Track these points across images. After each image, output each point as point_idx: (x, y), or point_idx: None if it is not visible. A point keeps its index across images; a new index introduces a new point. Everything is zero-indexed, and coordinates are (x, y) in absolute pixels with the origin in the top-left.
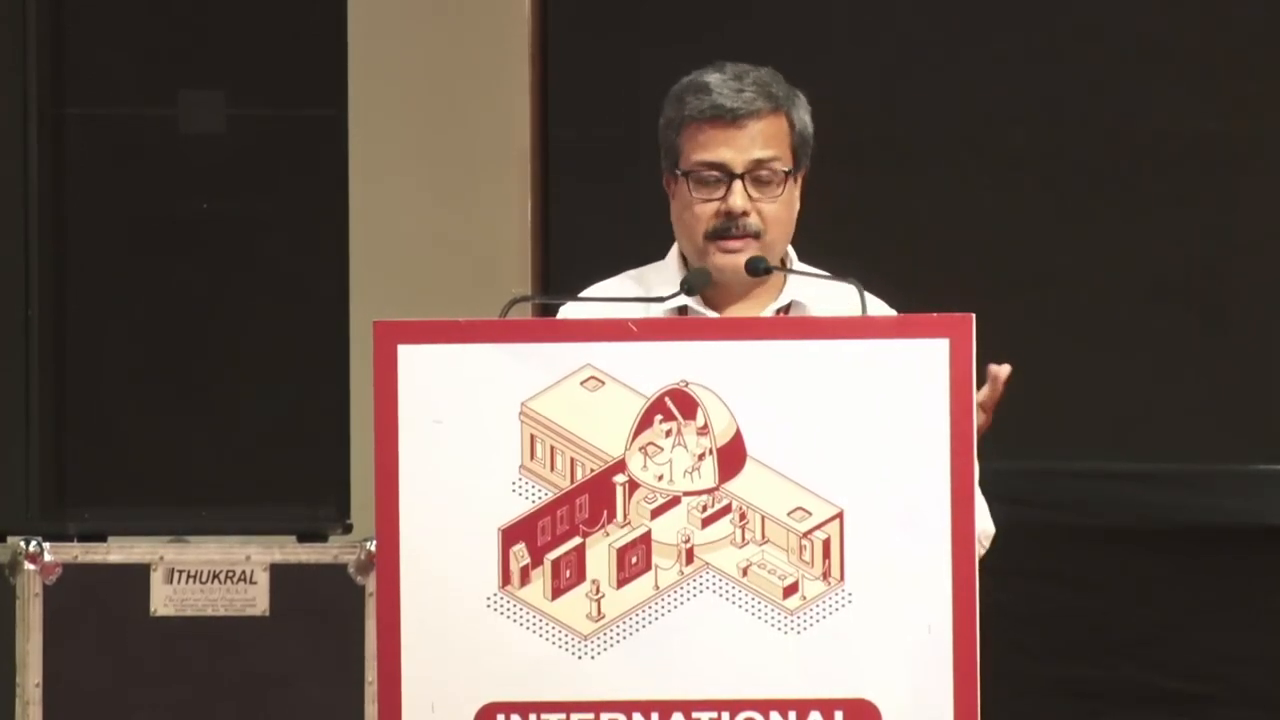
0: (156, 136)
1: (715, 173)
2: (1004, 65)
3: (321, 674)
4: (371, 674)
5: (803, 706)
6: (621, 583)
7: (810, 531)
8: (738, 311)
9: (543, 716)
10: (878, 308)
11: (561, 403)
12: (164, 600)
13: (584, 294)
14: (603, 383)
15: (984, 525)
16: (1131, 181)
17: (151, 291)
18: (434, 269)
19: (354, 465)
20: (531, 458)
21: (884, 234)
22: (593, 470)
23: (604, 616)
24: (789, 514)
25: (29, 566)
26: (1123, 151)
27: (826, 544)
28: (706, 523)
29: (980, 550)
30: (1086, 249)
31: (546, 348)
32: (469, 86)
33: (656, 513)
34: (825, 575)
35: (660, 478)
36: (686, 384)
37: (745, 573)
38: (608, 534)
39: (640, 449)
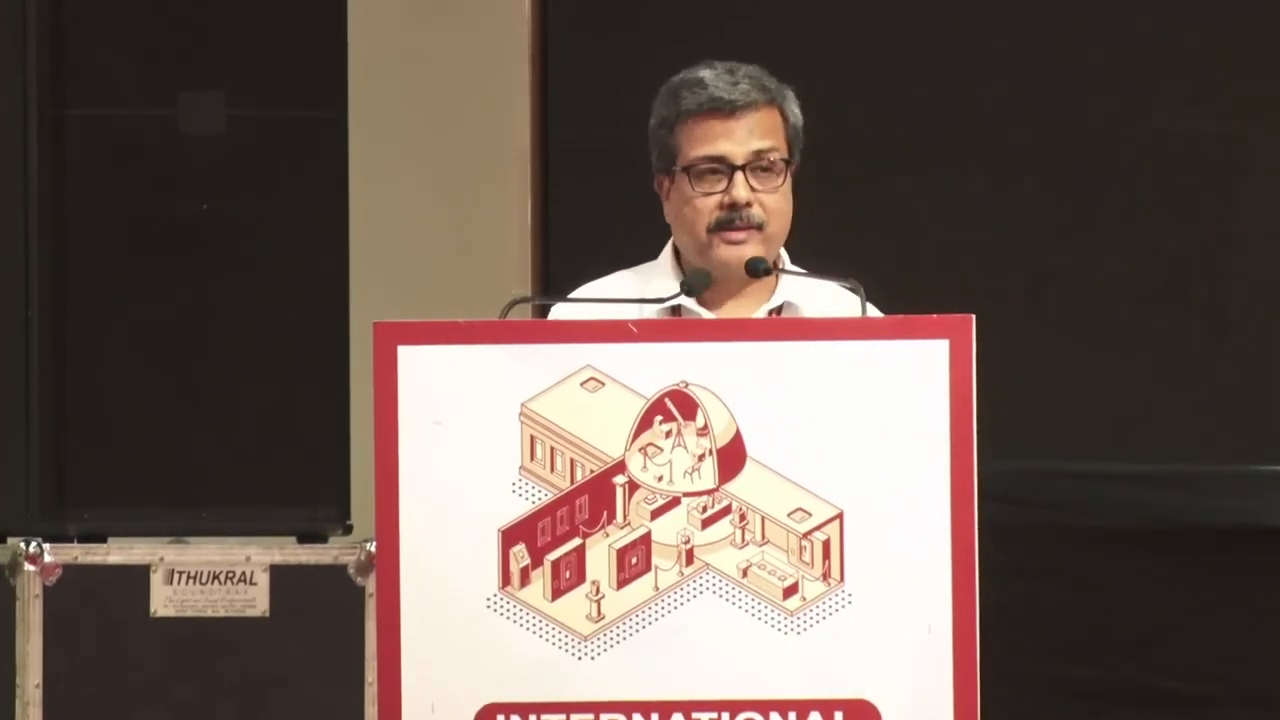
0: (156, 137)
1: (716, 166)
2: (1004, 65)
3: (321, 675)
4: (371, 675)
5: (803, 707)
6: (621, 583)
7: (810, 532)
8: (731, 311)
9: (543, 717)
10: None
11: (561, 404)
12: (164, 601)
13: (575, 294)
14: (603, 384)
15: None
16: (1131, 181)
17: (151, 291)
18: (434, 269)
19: (354, 466)
20: (531, 458)
21: (884, 234)
22: (593, 471)
23: (604, 617)
24: (789, 515)
25: (29, 567)
26: (1123, 151)
27: (826, 545)
28: (706, 523)
29: None
30: (1086, 249)
31: (546, 349)
32: (469, 86)
33: (656, 513)
34: (825, 576)
35: (660, 478)
36: (686, 385)
37: (745, 573)
38: (608, 535)
39: (640, 450)
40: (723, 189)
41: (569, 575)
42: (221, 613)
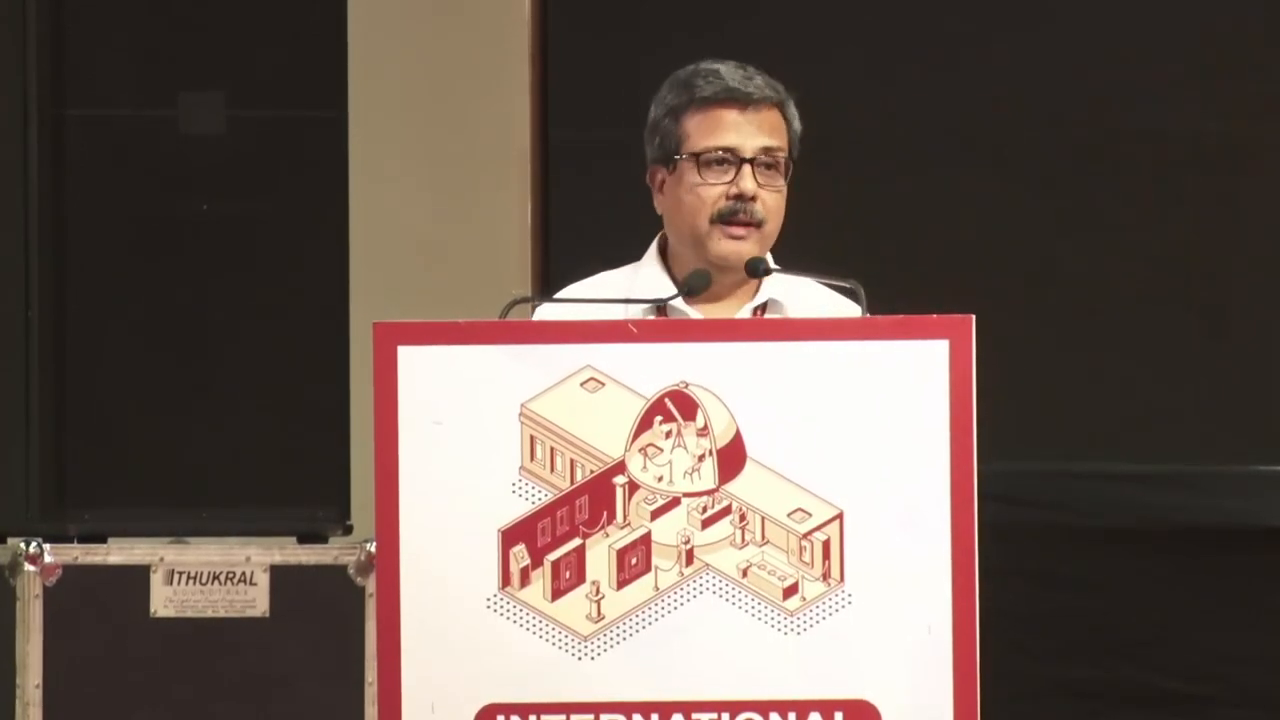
0: (156, 137)
1: (726, 156)
2: (1004, 65)
3: (321, 675)
4: (371, 675)
5: (803, 708)
6: (621, 584)
7: (810, 532)
8: (716, 308)
9: (542, 718)
10: (846, 309)
11: (561, 404)
12: (164, 601)
13: (560, 294)
14: (603, 384)
15: None
16: (1131, 181)
17: (151, 291)
18: (434, 269)
19: (354, 466)
20: (531, 459)
21: (884, 234)
22: (593, 471)
23: (604, 618)
24: (789, 515)
25: (29, 568)
26: (1123, 151)
27: (826, 545)
28: (706, 524)
29: None
30: (1086, 249)
31: (546, 349)
32: (469, 86)
33: (656, 514)
34: (825, 576)
35: (660, 479)
36: (686, 385)
37: (745, 574)
38: (608, 535)
39: (640, 450)
40: (729, 179)
41: (569, 575)
42: (222, 613)
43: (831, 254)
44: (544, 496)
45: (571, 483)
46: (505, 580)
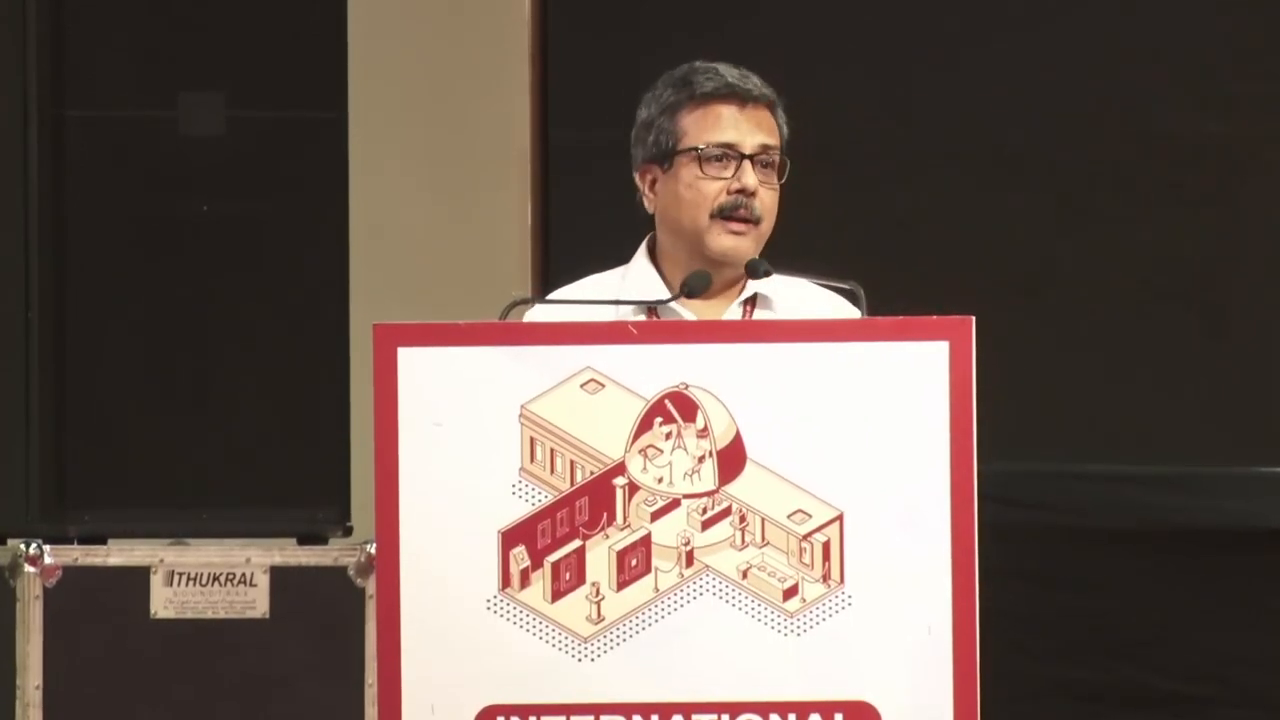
0: (156, 138)
1: (726, 152)
2: (1004, 65)
3: (321, 676)
4: (372, 676)
5: (803, 709)
6: (621, 585)
7: (810, 534)
8: (705, 306)
9: (542, 719)
10: (839, 307)
11: (561, 405)
12: (164, 602)
13: (551, 296)
14: (603, 385)
15: None
16: (1131, 182)
17: (151, 293)
18: (434, 270)
19: (354, 468)
20: (531, 460)
21: (884, 235)
22: (593, 473)
23: (604, 619)
24: (789, 516)
25: (29, 569)
26: (1123, 151)
27: (826, 546)
28: (706, 525)
29: None
30: (1086, 249)
31: (546, 350)
32: (469, 87)
33: (656, 515)
34: (825, 577)
35: (660, 480)
36: (686, 386)
37: (745, 575)
38: (608, 536)
39: (640, 451)
40: (730, 175)
41: (569, 577)
42: (222, 614)
43: (831, 255)
44: (544, 498)
45: (571, 484)
46: (505, 581)
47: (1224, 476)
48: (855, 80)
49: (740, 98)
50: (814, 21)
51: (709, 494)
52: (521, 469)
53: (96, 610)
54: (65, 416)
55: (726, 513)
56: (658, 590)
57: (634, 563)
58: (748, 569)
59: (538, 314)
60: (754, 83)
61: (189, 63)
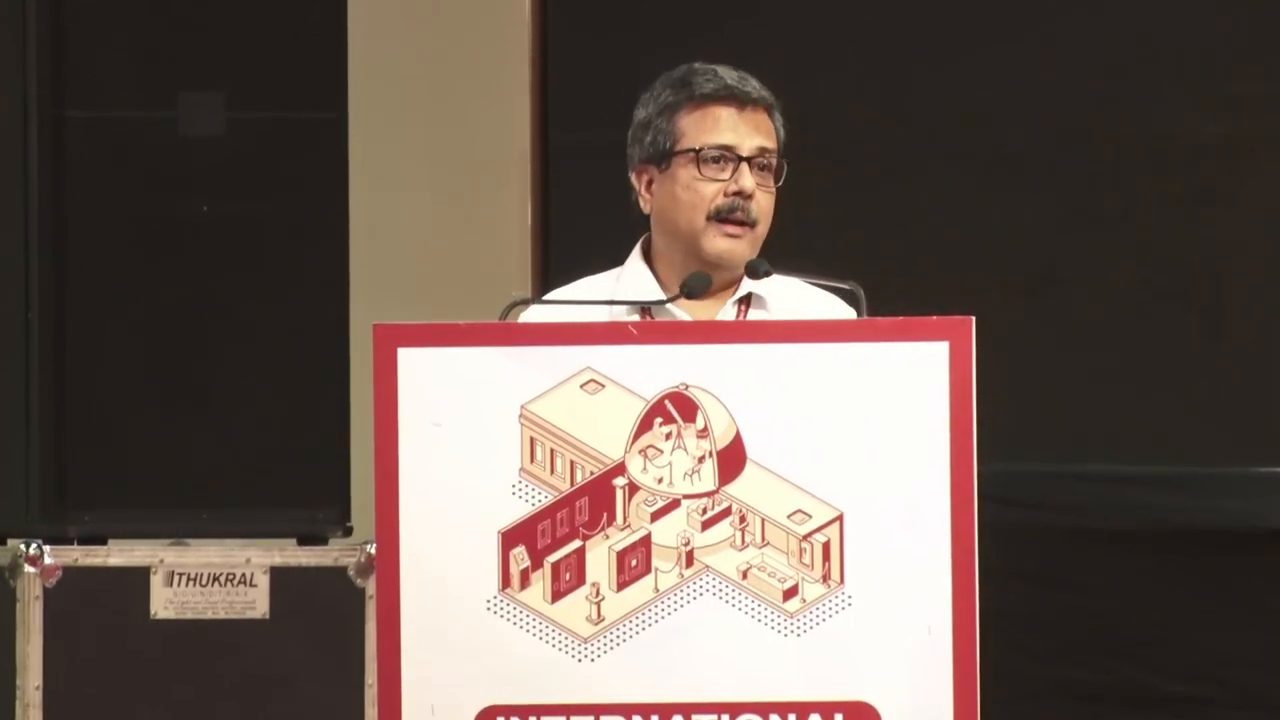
0: (156, 139)
1: (724, 153)
2: (1004, 65)
3: (322, 676)
4: (372, 676)
5: (803, 709)
6: (621, 585)
7: (810, 534)
8: (700, 306)
9: (542, 719)
10: (834, 307)
11: (561, 405)
12: (164, 603)
13: (548, 297)
14: (603, 385)
15: None
16: (1131, 182)
17: (151, 293)
18: (434, 270)
19: (354, 468)
20: (531, 460)
21: (884, 235)
22: (593, 473)
23: (604, 619)
24: (789, 516)
25: (29, 569)
26: (1123, 152)
27: (826, 546)
28: (706, 525)
29: None
30: (1086, 249)
31: (546, 350)
32: (469, 87)
33: (656, 515)
34: (825, 578)
35: (660, 480)
36: (686, 387)
37: (745, 575)
38: (608, 537)
39: (640, 452)
40: (727, 177)
41: (569, 577)
42: (222, 614)
43: (831, 255)
44: (544, 498)
45: (571, 484)
46: (505, 582)
47: (1224, 476)
48: (855, 80)
49: (739, 100)
50: (814, 22)
51: (709, 494)
52: (521, 469)
53: (96, 611)
54: (65, 416)
55: (726, 513)
56: (658, 590)
57: (634, 563)
58: (748, 569)
59: (533, 315)
60: (753, 85)
61: (189, 63)
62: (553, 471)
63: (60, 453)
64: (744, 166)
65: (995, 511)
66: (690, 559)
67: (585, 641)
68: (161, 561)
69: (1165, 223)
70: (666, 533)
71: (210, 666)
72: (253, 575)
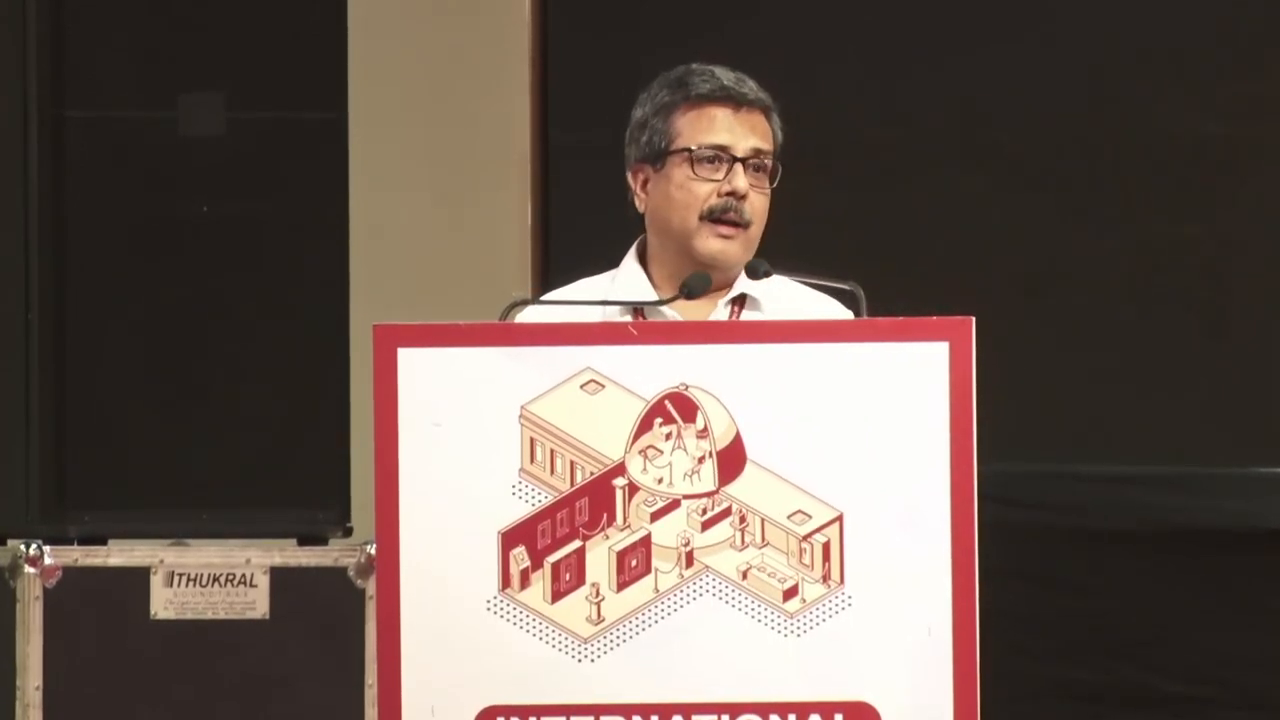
0: (156, 139)
1: (719, 154)
2: (1004, 65)
3: (322, 677)
4: (371, 677)
5: (803, 709)
6: (621, 586)
7: (810, 534)
8: (692, 306)
9: (542, 719)
10: (829, 308)
11: (561, 406)
12: (164, 603)
13: (544, 298)
14: (602, 386)
15: None
16: (1132, 182)
17: (151, 293)
18: (434, 270)
19: (354, 468)
20: (531, 461)
21: (883, 235)
22: (593, 473)
23: (604, 619)
24: (789, 517)
25: (29, 569)
26: (1123, 152)
27: (826, 547)
28: (706, 526)
29: None
30: (1086, 250)
31: (546, 351)
32: (469, 88)
33: (656, 516)
34: (825, 578)
35: (660, 481)
36: (686, 387)
37: (745, 576)
38: (608, 537)
39: (640, 452)
40: (721, 177)
41: (569, 577)
42: (222, 615)
43: (831, 255)
44: (544, 498)
45: (571, 485)
46: (505, 582)
47: (1224, 476)
48: (855, 80)
49: (735, 101)
50: (813, 22)
51: (709, 494)
52: (521, 469)
53: (96, 611)
54: (65, 416)
55: (726, 513)
56: (658, 591)
57: (634, 563)
58: (748, 569)
59: (529, 315)
60: (750, 86)
61: (189, 63)
62: (553, 472)
63: (60, 453)
64: (738, 167)
65: (995, 511)
66: (690, 559)
67: (585, 642)
68: (161, 562)
69: (1165, 223)
70: (666, 533)
71: (210, 667)
72: (253, 575)
